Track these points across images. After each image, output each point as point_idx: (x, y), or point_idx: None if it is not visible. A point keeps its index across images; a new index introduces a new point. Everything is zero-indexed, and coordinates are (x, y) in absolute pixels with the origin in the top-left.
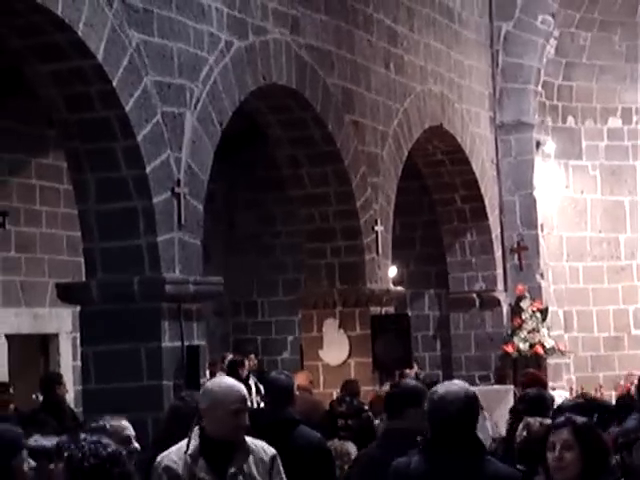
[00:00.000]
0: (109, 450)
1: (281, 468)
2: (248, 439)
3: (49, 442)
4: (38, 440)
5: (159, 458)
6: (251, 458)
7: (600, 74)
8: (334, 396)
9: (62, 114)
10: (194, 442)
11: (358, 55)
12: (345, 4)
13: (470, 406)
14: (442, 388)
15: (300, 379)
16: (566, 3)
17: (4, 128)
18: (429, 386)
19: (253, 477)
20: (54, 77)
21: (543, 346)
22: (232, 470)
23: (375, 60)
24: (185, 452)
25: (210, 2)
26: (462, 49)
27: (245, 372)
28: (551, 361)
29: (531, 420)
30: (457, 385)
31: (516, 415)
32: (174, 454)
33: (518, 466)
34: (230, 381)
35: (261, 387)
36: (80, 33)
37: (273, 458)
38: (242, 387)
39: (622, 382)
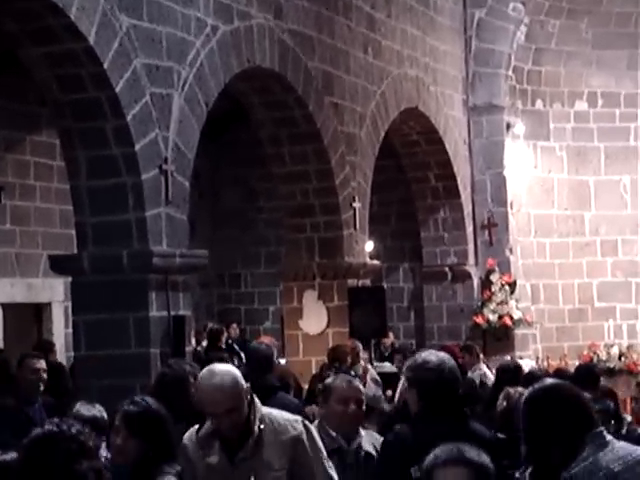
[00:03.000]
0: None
1: (308, 446)
2: (277, 415)
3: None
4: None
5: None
6: (266, 441)
7: (567, 60)
8: (313, 364)
9: (55, 94)
10: (208, 424)
11: (338, 40)
12: None
13: (458, 372)
14: (434, 357)
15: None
16: None
17: None
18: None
19: (266, 461)
20: (47, 59)
21: (511, 317)
22: (241, 455)
23: (354, 45)
24: (197, 433)
25: None
26: (437, 35)
27: (224, 339)
28: (518, 332)
29: (511, 390)
30: (444, 355)
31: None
32: (190, 434)
33: (499, 434)
34: (210, 381)
35: (242, 354)
36: (72, 17)
37: (296, 439)
38: (222, 386)
39: (585, 352)
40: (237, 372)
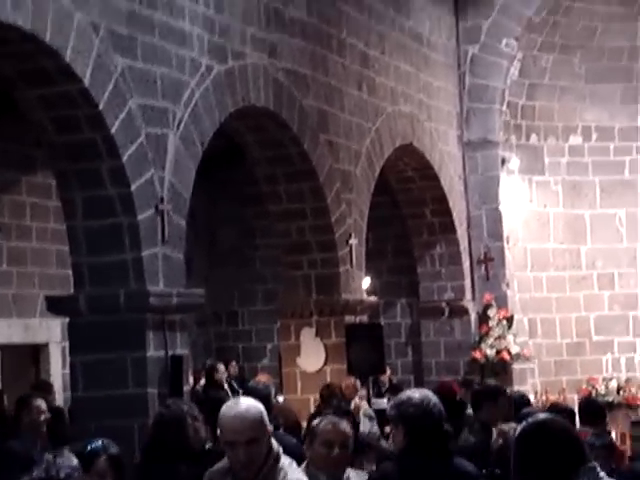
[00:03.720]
0: None
1: None
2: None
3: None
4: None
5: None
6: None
7: (561, 94)
8: (312, 401)
9: (50, 136)
10: (224, 460)
11: (332, 78)
12: (320, 30)
13: (442, 408)
14: (417, 394)
15: (263, 378)
16: (529, 27)
17: None
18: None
19: None
20: (42, 101)
21: (509, 352)
22: None
23: (348, 82)
24: (211, 468)
25: (191, 28)
26: (431, 71)
27: (222, 377)
28: (517, 366)
29: (505, 427)
30: (427, 391)
31: None
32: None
33: (496, 470)
34: (234, 409)
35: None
36: (67, 59)
37: None
38: (245, 414)
39: (584, 386)
40: (262, 407)
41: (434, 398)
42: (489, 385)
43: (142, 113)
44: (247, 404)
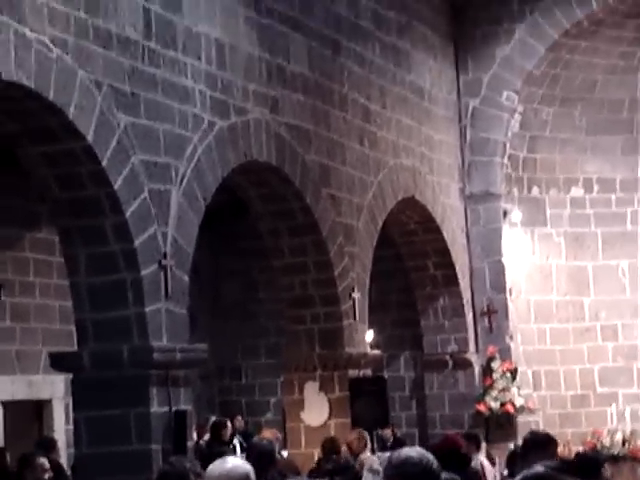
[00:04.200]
0: None
1: None
2: None
3: None
4: None
5: None
6: None
7: (562, 147)
8: (315, 456)
9: (54, 192)
10: None
11: (334, 132)
12: (321, 84)
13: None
14: (414, 453)
15: (267, 434)
16: (529, 81)
17: None
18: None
19: None
20: (46, 158)
21: (513, 405)
22: None
23: (350, 136)
24: None
25: (194, 85)
26: (432, 124)
27: (228, 433)
28: (521, 419)
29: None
30: (422, 449)
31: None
32: None
33: None
34: (219, 468)
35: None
36: (71, 116)
37: None
38: (229, 474)
39: (589, 438)
40: (250, 467)
41: (430, 456)
42: (538, 433)
43: (145, 169)
44: (233, 464)
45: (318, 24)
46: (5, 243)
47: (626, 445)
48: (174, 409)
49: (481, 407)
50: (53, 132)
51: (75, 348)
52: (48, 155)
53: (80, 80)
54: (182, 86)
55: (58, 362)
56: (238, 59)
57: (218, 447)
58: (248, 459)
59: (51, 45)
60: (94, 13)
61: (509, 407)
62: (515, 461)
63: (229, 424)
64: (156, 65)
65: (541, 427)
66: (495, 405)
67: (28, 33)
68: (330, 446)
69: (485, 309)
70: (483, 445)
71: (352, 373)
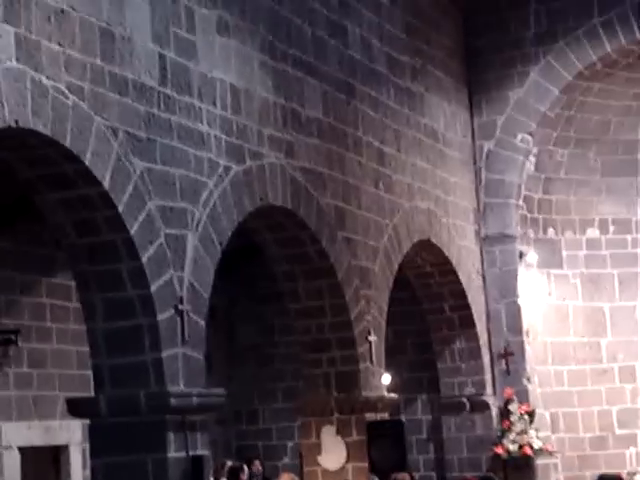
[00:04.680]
0: None
1: None
2: None
3: None
4: None
5: None
6: None
7: (577, 188)
8: None
9: (70, 238)
10: None
11: (349, 175)
12: (336, 129)
13: None
14: None
15: (285, 478)
16: (544, 123)
17: (15, 250)
18: None
19: None
20: (62, 204)
21: (531, 447)
22: None
23: (365, 180)
24: None
25: (209, 130)
26: (447, 167)
27: (245, 478)
28: (540, 461)
29: None
30: None
31: None
32: None
33: None
34: None
35: None
36: (87, 162)
37: None
38: None
39: None
40: None
41: None
42: (608, 474)
43: (161, 214)
44: None
45: (332, 68)
46: (22, 289)
47: None
48: (191, 454)
49: (499, 450)
50: (70, 178)
51: (92, 394)
52: (65, 201)
53: (96, 126)
54: (198, 131)
55: (75, 408)
56: (253, 104)
57: None
58: None
59: (67, 92)
60: (110, 60)
61: (527, 450)
62: None
63: (246, 468)
64: (172, 111)
65: (560, 470)
66: (513, 448)
67: (45, 80)
68: None
69: (502, 351)
70: None
71: (369, 416)
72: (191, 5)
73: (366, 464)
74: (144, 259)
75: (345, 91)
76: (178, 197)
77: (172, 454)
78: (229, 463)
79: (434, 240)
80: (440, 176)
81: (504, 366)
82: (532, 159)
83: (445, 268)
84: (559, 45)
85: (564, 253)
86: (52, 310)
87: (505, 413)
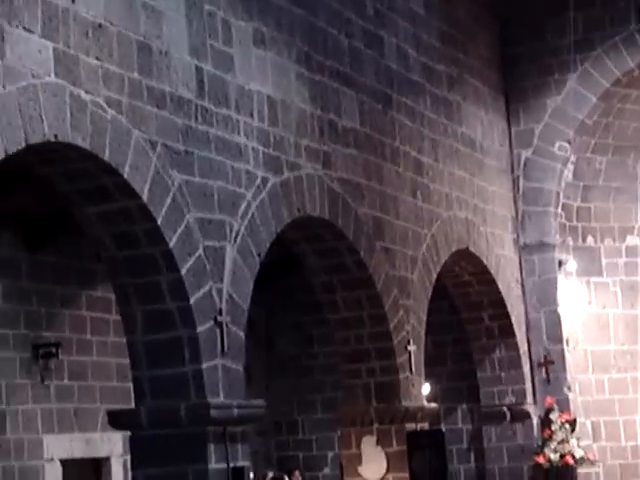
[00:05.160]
0: None
1: None
2: None
3: None
4: None
5: None
6: None
7: (616, 195)
8: None
9: (110, 251)
10: None
11: (386, 185)
12: (373, 139)
13: None
14: None
15: None
16: (581, 130)
17: (56, 263)
18: None
19: None
20: (101, 217)
21: (573, 456)
22: None
23: (403, 190)
24: None
25: (247, 142)
26: (484, 176)
27: None
28: (581, 470)
29: None
30: None
31: None
32: None
33: None
34: None
35: None
36: (126, 175)
37: None
38: None
39: None
40: None
41: None
42: None
43: (200, 226)
44: None
45: (369, 79)
46: (62, 302)
47: None
48: (232, 465)
49: (540, 459)
50: (108, 191)
51: (133, 406)
52: (104, 214)
53: (135, 140)
54: (235, 143)
55: (116, 420)
56: (290, 115)
57: None
58: None
59: (106, 106)
60: (147, 74)
61: (569, 459)
62: None
63: (287, 479)
64: (209, 123)
65: (602, 478)
66: (554, 457)
67: (83, 95)
68: None
69: (542, 360)
70: None
71: (409, 427)
72: (227, 18)
73: (407, 474)
74: (183, 271)
75: (382, 101)
76: (216, 209)
77: (213, 465)
78: (270, 474)
79: (472, 249)
80: (478, 185)
81: (544, 375)
82: (570, 167)
83: (484, 277)
84: (596, 52)
85: (603, 261)
86: (92, 323)
87: (546, 422)
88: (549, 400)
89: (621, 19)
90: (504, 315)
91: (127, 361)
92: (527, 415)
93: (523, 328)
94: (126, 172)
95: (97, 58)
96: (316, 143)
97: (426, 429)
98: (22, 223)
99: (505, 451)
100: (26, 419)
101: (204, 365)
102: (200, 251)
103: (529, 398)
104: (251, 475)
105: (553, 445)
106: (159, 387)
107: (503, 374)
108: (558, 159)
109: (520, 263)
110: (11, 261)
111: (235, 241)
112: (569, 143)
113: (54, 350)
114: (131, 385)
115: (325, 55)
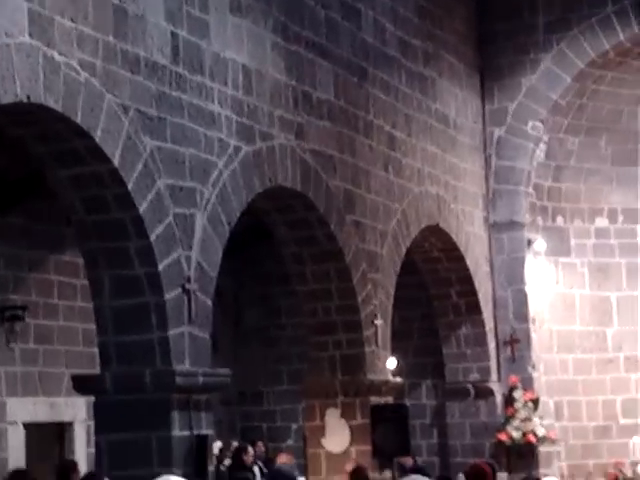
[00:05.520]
0: None
1: None
2: None
3: None
4: None
5: None
6: None
7: (587, 176)
8: None
9: (79, 215)
10: None
11: (359, 159)
12: (347, 111)
13: None
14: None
15: (283, 459)
16: (555, 110)
17: (24, 227)
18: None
19: None
20: (73, 181)
21: (535, 434)
22: None
23: (375, 163)
24: None
25: (220, 110)
26: (457, 153)
27: (250, 458)
28: (543, 449)
29: None
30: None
31: None
32: None
33: None
34: None
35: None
36: (98, 139)
37: None
38: None
39: (611, 469)
40: None
41: None
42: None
43: (170, 193)
44: None
45: (345, 51)
46: (30, 265)
47: None
48: (196, 433)
49: (502, 436)
50: (80, 155)
51: (98, 371)
52: (75, 178)
53: (107, 104)
54: (208, 111)
55: (81, 385)
56: (264, 85)
57: (239, 473)
58: None
59: (79, 68)
60: (122, 37)
61: (531, 437)
62: None
63: (251, 449)
64: (183, 90)
65: (563, 458)
66: (517, 435)
67: (57, 56)
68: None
69: (508, 338)
70: (500, 475)
71: (374, 400)
72: None
73: (369, 447)
74: (152, 237)
75: (357, 74)
76: (187, 176)
77: (176, 432)
78: (234, 444)
79: (442, 225)
80: (450, 161)
81: (509, 353)
82: (542, 147)
83: (453, 254)
84: (572, 33)
85: (572, 242)
86: (60, 287)
87: (509, 400)
88: (513, 378)
89: (598, 1)
90: (471, 292)
91: (93, 326)
92: (491, 392)
93: (490, 306)
94: (98, 136)
95: (72, 20)
96: (290, 114)
97: (390, 403)
98: None
99: (468, 427)
100: None
101: (170, 332)
102: (170, 218)
103: (493, 376)
104: (219, 444)
105: (516, 423)
106: (125, 353)
107: (468, 351)
108: (531, 138)
109: (489, 241)
110: None
111: (205, 209)
112: (542, 123)
113: (20, 313)
114: (96, 351)
115: (302, 26)
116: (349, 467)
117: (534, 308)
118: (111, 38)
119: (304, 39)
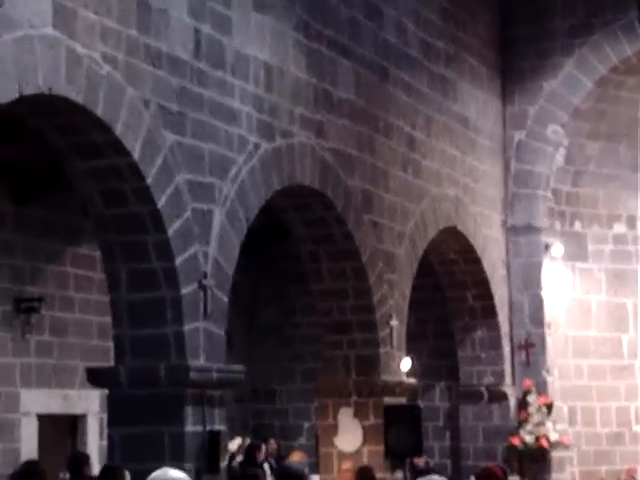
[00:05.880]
0: None
1: None
2: None
3: None
4: None
5: None
6: None
7: (606, 182)
8: None
9: (98, 208)
10: None
11: (378, 159)
12: (367, 111)
13: None
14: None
15: (296, 457)
16: (576, 115)
17: (41, 219)
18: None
19: None
20: (92, 173)
21: (548, 439)
22: None
23: (394, 164)
24: None
25: (241, 106)
26: (476, 155)
27: (262, 456)
28: (555, 454)
29: None
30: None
31: None
32: None
33: None
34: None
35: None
36: (118, 133)
37: None
38: None
39: (623, 476)
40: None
41: None
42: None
43: (189, 188)
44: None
45: (366, 51)
46: (47, 257)
47: None
48: (208, 429)
49: (515, 440)
50: (100, 148)
51: (112, 364)
52: (94, 170)
53: (129, 97)
54: (229, 107)
55: (94, 377)
56: (286, 82)
57: (250, 469)
58: None
59: (101, 62)
60: (145, 31)
61: (543, 442)
62: None
63: (263, 447)
64: (204, 85)
65: (575, 463)
66: (529, 439)
67: (79, 49)
68: (364, 474)
69: (523, 342)
70: (512, 479)
71: (387, 401)
72: None
73: (382, 448)
74: (170, 232)
75: (378, 74)
76: (207, 172)
77: (189, 428)
78: (247, 441)
79: (460, 228)
80: (469, 164)
81: (524, 357)
82: (562, 151)
83: (470, 256)
84: (595, 38)
85: (590, 247)
86: (76, 279)
87: (523, 404)
88: (527, 382)
89: (621, 6)
90: (487, 295)
91: (108, 320)
92: (504, 396)
93: (506, 309)
94: (118, 129)
95: (96, 12)
96: (310, 112)
97: (403, 404)
98: (10, 175)
99: (481, 431)
100: (4, 372)
101: (186, 327)
102: (188, 213)
103: (508, 379)
104: (238, 440)
105: (529, 427)
106: (140, 347)
107: (483, 354)
108: (550, 143)
109: (506, 244)
110: None
111: (224, 205)
112: (562, 127)
113: (36, 305)
114: (111, 344)
115: (324, 24)
116: (345, 465)
117: (550, 313)
118: (134, 32)
119: (326, 37)
